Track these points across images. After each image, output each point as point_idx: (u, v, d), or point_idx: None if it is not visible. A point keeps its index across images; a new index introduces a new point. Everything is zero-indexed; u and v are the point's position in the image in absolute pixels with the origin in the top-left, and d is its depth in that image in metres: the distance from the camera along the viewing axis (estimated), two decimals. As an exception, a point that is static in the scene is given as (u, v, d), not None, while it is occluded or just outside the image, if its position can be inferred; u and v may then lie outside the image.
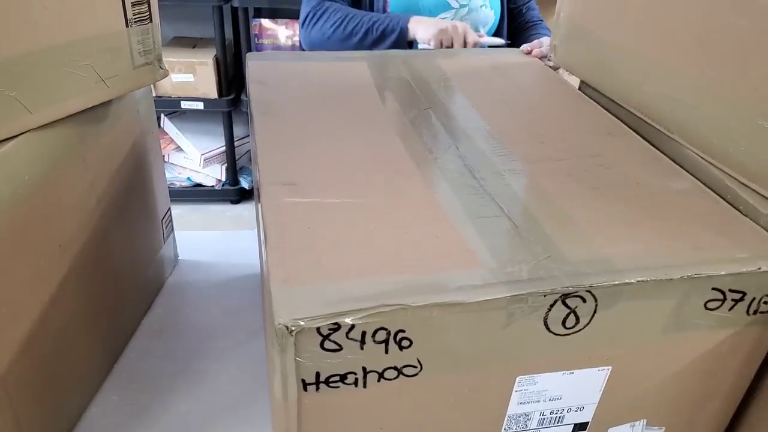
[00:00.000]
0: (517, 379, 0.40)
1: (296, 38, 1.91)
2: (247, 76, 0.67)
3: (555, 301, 0.37)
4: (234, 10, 1.88)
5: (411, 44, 0.94)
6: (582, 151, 0.54)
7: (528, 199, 0.47)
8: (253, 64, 0.70)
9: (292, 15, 1.91)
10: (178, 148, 2.07)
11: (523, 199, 0.47)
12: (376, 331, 0.35)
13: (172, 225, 0.87)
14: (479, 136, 0.57)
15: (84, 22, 0.54)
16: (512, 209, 0.45)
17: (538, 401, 0.42)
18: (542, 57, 0.82)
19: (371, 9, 0.99)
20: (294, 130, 0.55)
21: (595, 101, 0.69)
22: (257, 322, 0.78)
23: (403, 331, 0.36)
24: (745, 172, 0.49)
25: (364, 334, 0.35)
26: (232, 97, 1.95)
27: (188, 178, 2.09)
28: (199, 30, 2.05)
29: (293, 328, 0.33)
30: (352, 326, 0.34)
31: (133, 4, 0.58)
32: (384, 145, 0.54)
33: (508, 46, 1.03)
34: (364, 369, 0.36)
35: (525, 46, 0.83)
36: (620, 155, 0.54)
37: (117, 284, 0.71)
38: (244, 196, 2.13)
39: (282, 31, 1.92)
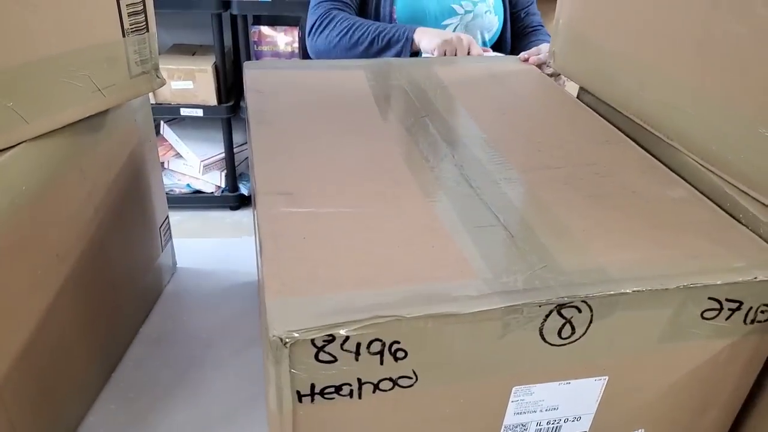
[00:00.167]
0: (513, 389, 0.40)
1: (295, 45, 1.92)
2: (244, 84, 0.67)
3: (550, 312, 0.37)
4: (233, 18, 1.89)
5: (416, 54, 0.94)
6: (579, 160, 0.54)
7: (524, 208, 0.47)
8: (250, 73, 0.70)
9: (291, 22, 1.92)
10: (178, 155, 2.07)
11: (519, 208, 0.46)
12: (370, 343, 0.35)
13: (170, 233, 0.87)
14: (476, 145, 0.57)
15: (81, 32, 0.54)
16: (508, 218, 0.45)
17: (535, 411, 0.41)
18: (540, 64, 0.82)
19: (378, 17, 0.99)
20: (290, 139, 0.55)
21: (594, 108, 0.69)
22: (255, 330, 0.78)
23: (398, 343, 0.35)
24: (744, 179, 0.49)
25: (358, 345, 0.35)
26: (231, 104, 1.95)
27: (188, 185, 2.09)
28: (198, 37, 2.06)
29: (287, 340, 0.33)
30: (347, 338, 0.34)
31: (130, 14, 0.58)
32: (380, 153, 0.54)
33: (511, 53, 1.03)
34: (359, 380, 0.36)
35: (522, 54, 0.84)
36: (617, 163, 0.54)
37: (115, 293, 0.71)
38: (243, 202, 2.14)
39: (281, 38, 1.92)
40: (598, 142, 0.58)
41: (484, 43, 1.05)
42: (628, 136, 0.61)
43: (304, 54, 1.20)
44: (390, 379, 0.37)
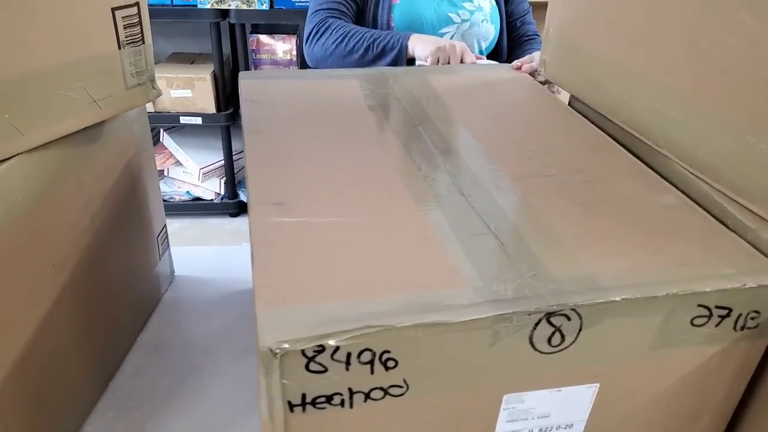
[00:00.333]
0: (505, 397, 0.40)
1: (294, 53, 1.93)
2: (240, 94, 0.68)
3: (540, 320, 0.37)
4: (231, 26, 1.90)
5: (411, 62, 0.95)
6: (570, 167, 0.55)
7: (515, 216, 0.47)
8: (245, 83, 0.70)
9: (289, 30, 1.93)
10: (177, 163, 2.08)
11: (510, 216, 0.47)
12: (361, 352, 0.35)
13: (167, 241, 0.88)
14: (468, 153, 0.57)
15: (76, 45, 0.54)
16: (499, 227, 0.45)
17: (527, 419, 0.42)
18: (533, 72, 0.83)
19: (375, 25, 1.00)
20: (284, 149, 0.56)
21: (584, 116, 0.70)
22: (253, 337, 0.78)
23: (389, 352, 0.36)
24: (732, 186, 0.50)
25: (349, 355, 0.35)
26: (230, 111, 1.96)
27: (187, 192, 2.09)
28: (197, 46, 2.07)
29: (278, 351, 0.33)
30: (337, 348, 0.34)
31: (126, 27, 0.59)
32: (373, 162, 0.54)
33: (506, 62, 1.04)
34: (350, 390, 0.36)
35: (515, 62, 0.84)
36: (608, 171, 0.55)
37: (112, 302, 0.71)
38: (242, 209, 2.14)
39: (280, 46, 1.93)
40: (589, 150, 0.59)
41: (481, 52, 1.06)
42: (619, 143, 0.62)
43: (302, 62, 1.21)
44: (381, 389, 0.37)
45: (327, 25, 0.96)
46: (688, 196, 0.52)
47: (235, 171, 2.08)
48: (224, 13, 1.81)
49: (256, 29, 1.97)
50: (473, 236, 0.44)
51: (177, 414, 0.68)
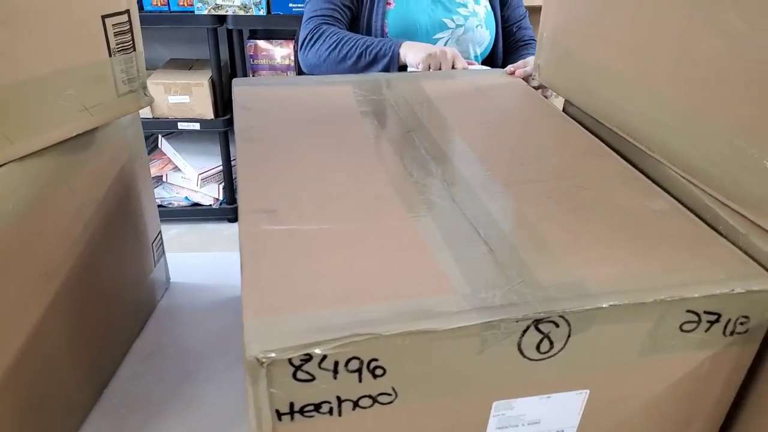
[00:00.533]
0: (494, 404, 0.40)
1: (293, 58, 1.93)
2: (233, 101, 0.68)
3: (528, 327, 0.37)
4: (229, 32, 1.91)
5: (403, 68, 0.95)
6: (561, 173, 0.55)
7: (505, 222, 0.47)
8: (238, 90, 0.70)
9: (287, 36, 1.93)
10: (176, 168, 2.09)
11: (500, 222, 0.47)
12: (348, 361, 0.35)
13: (162, 248, 0.88)
14: (460, 159, 0.57)
15: (66, 53, 0.54)
16: (489, 233, 0.45)
17: (517, 426, 0.42)
18: (526, 77, 0.83)
19: (369, 31, 1.00)
20: (276, 156, 0.56)
21: (579, 120, 0.70)
22: (247, 344, 0.78)
23: (377, 360, 0.36)
24: (723, 191, 0.49)
25: (336, 363, 0.35)
26: (228, 117, 1.97)
27: (186, 198, 2.10)
28: (195, 52, 2.08)
29: (264, 360, 0.33)
30: (324, 356, 0.34)
31: (116, 34, 0.59)
32: (365, 169, 0.54)
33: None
34: (338, 398, 0.36)
35: (509, 67, 0.84)
36: (600, 176, 0.55)
37: (106, 309, 0.71)
38: (241, 214, 2.14)
39: (278, 51, 1.94)
40: (581, 155, 0.59)
41: (476, 57, 1.06)
42: (612, 148, 0.62)
43: (300, 67, 1.22)
44: (369, 397, 0.37)
45: (321, 31, 0.96)
46: (680, 200, 0.52)
47: (234, 176, 2.08)
48: (221, 19, 1.82)
49: (254, 35, 1.97)
50: (463, 243, 0.44)
51: (172, 420, 0.68)
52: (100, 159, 0.66)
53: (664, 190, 0.54)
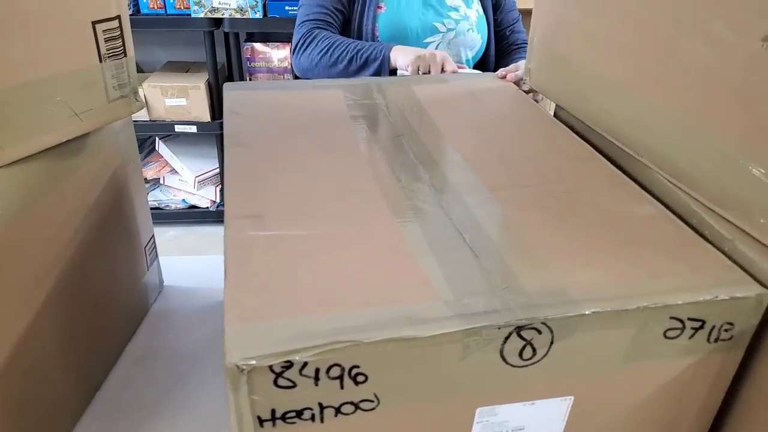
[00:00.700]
0: (478, 410, 0.40)
1: (290, 60, 1.93)
2: (223, 106, 0.68)
3: (510, 334, 0.37)
4: (226, 35, 1.91)
5: (394, 72, 0.95)
6: (549, 178, 0.55)
7: (491, 227, 0.47)
8: (229, 94, 0.71)
9: (283, 38, 1.93)
10: (173, 171, 2.09)
11: (486, 228, 0.47)
12: (329, 368, 0.35)
13: (156, 252, 0.88)
14: (448, 164, 0.57)
15: (56, 59, 0.55)
16: (474, 238, 0.45)
17: (501, 432, 0.42)
18: (518, 81, 0.83)
19: (360, 35, 1.01)
20: (264, 162, 0.56)
21: (570, 124, 0.70)
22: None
23: (358, 367, 0.36)
24: (709, 196, 0.50)
25: (317, 370, 0.35)
26: (225, 119, 1.96)
27: (183, 200, 2.10)
28: (192, 55, 2.08)
29: (244, 367, 0.33)
30: (305, 363, 0.34)
31: (107, 40, 0.59)
32: (353, 174, 0.54)
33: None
34: (320, 405, 0.36)
35: (500, 71, 0.84)
36: (587, 181, 0.55)
37: (97, 313, 0.71)
38: (238, 216, 2.14)
39: (275, 54, 1.94)
40: (569, 160, 0.59)
41: (467, 61, 1.06)
42: (602, 152, 0.62)
43: (298, 70, 1.23)
44: (351, 403, 0.37)
45: (313, 36, 0.97)
46: (668, 205, 0.52)
47: (231, 178, 2.08)
48: (218, 22, 1.82)
49: (251, 37, 1.97)
50: (448, 249, 0.44)
51: (162, 424, 0.68)
52: (91, 164, 0.66)
53: (652, 194, 0.54)
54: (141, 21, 1.80)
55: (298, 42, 0.99)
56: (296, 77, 1.08)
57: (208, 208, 2.11)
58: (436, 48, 1.02)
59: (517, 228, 0.47)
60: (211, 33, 1.84)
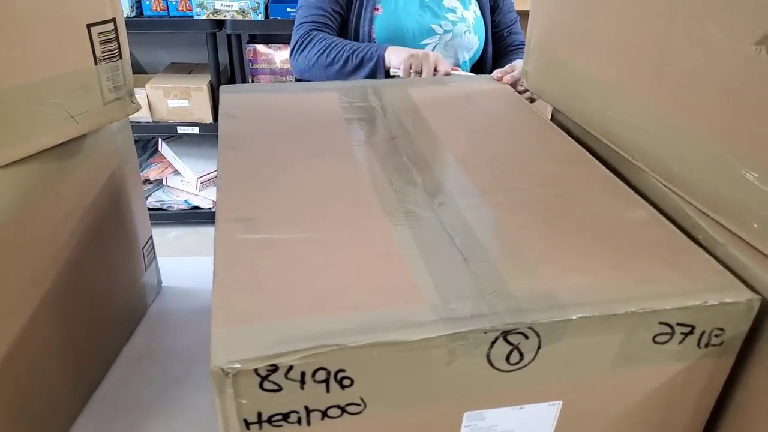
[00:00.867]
0: (465, 414, 0.40)
1: (291, 62, 1.93)
2: (219, 109, 0.68)
3: (496, 338, 0.37)
4: (228, 37, 1.92)
5: (388, 72, 0.96)
6: (542, 181, 0.55)
7: (482, 231, 0.47)
8: (225, 97, 0.71)
9: (286, 40, 1.94)
10: (176, 172, 2.10)
11: (476, 231, 0.47)
12: (315, 371, 0.35)
13: (154, 252, 0.88)
14: (442, 167, 0.57)
15: (51, 61, 0.55)
16: (464, 242, 0.45)
17: (489, 437, 0.41)
18: (514, 82, 0.82)
19: (357, 37, 1.01)
20: (257, 164, 0.56)
21: (567, 127, 0.69)
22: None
23: (344, 371, 0.36)
24: (703, 200, 0.49)
25: (303, 374, 0.35)
26: (227, 120, 1.97)
27: (186, 201, 2.10)
28: (195, 56, 2.09)
29: (229, 371, 0.34)
30: (291, 367, 0.35)
31: (102, 42, 0.59)
32: (346, 177, 0.54)
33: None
34: (306, 408, 0.36)
35: (496, 73, 0.84)
36: (580, 184, 0.54)
37: (94, 314, 0.71)
38: (241, 217, 2.14)
39: (277, 55, 1.94)
40: (563, 163, 0.59)
41: (464, 63, 1.05)
42: (598, 155, 0.62)
43: (299, 72, 1.23)
44: (338, 407, 0.37)
45: (311, 37, 0.98)
46: (662, 209, 0.52)
47: (233, 179, 2.08)
48: (220, 24, 1.83)
49: (253, 39, 1.98)
50: (438, 252, 0.44)
51: (158, 424, 0.68)
52: (88, 165, 0.67)
53: (647, 198, 0.54)
54: (144, 23, 1.81)
55: (296, 43, 1.00)
56: (298, 79, 1.08)
57: (210, 208, 2.11)
58: (433, 50, 1.01)
59: (508, 232, 0.47)
60: (213, 35, 1.85)
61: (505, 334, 0.37)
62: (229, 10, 1.77)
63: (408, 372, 0.37)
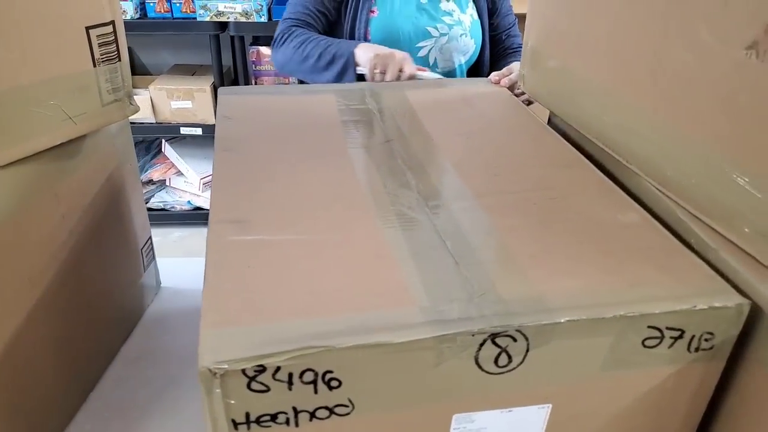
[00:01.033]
0: (454, 417, 0.40)
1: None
2: (216, 110, 0.69)
3: (484, 341, 0.37)
4: (231, 39, 1.93)
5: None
6: (536, 184, 0.55)
7: (474, 234, 0.47)
8: (223, 99, 0.71)
9: (288, 41, 1.94)
10: (179, 173, 2.10)
11: (468, 234, 0.47)
12: (303, 372, 0.35)
13: (153, 253, 0.89)
14: (436, 170, 0.57)
15: (50, 63, 0.55)
16: (456, 245, 0.45)
17: (479, 439, 0.42)
18: (512, 85, 0.82)
19: (352, 38, 1.01)
20: (252, 166, 0.56)
21: (563, 130, 0.70)
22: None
23: (331, 372, 0.36)
24: (695, 204, 0.49)
25: (290, 375, 0.35)
26: (230, 121, 1.98)
27: (188, 202, 2.11)
28: (199, 58, 2.10)
29: (216, 371, 0.34)
30: (278, 368, 0.35)
31: (101, 45, 0.60)
32: (340, 180, 0.55)
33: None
34: (294, 409, 0.37)
35: (494, 75, 0.84)
36: (574, 188, 0.55)
37: (92, 314, 0.72)
38: (243, 218, 2.15)
39: (280, 57, 1.95)
40: (557, 166, 0.59)
41: (460, 66, 1.05)
42: (593, 158, 0.62)
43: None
44: (326, 408, 0.37)
45: (290, 32, 0.98)
46: (655, 213, 0.52)
47: (236, 181, 2.09)
48: (223, 26, 1.84)
49: (257, 41, 1.99)
50: (429, 255, 0.44)
51: (154, 424, 0.69)
52: (87, 166, 0.67)
53: (641, 202, 0.54)
54: (148, 24, 1.83)
55: (277, 37, 1.01)
56: (301, 81, 1.08)
57: (212, 209, 2.12)
58: (428, 53, 1.01)
59: (501, 235, 0.47)
60: (216, 36, 1.86)
61: (493, 336, 0.37)
62: (232, 12, 1.78)
63: (396, 374, 0.37)
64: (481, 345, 0.37)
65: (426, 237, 0.46)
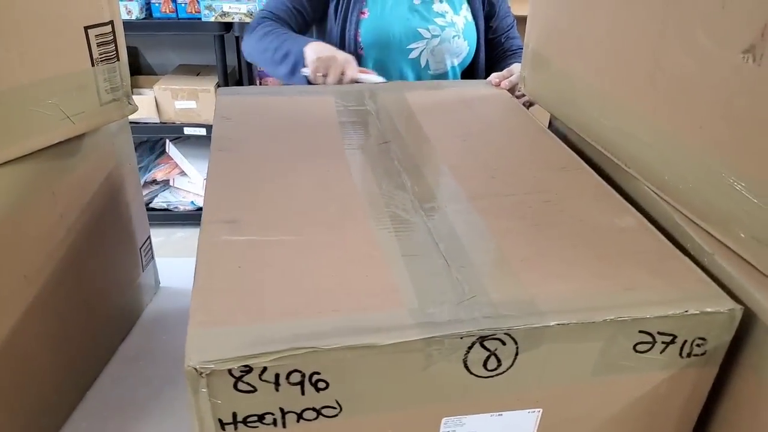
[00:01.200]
0: (444, 420, 0.40)
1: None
2: (214, 111, 0.69)
3: (473, 344, 0.37)
4: (236, 39, 1.93)
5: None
6: (532, 187, 0.54)
7: (466, 236, 0.47)
8: (222, 99, 0.71)
9: (293, 42, 1.95)
10: (182, 173, 2.11)
11: (461, 236, 0.47)
12: (289, 374, 0.35)
13: (152, 253, 0.89)
14: (432, 172, 0.57)
15: (49, 63, 0.56)
16: (448, 247, 0.45)
17: (468, 442, 0.41)
18: (513, 87, 0.82)
19: (342, 41, 1.00)
20: (247, 167, 0.56)
21: (563, 133, 0.69)
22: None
23: (318, 373, 0.36)
24: (692, 208, 0.49)
25: (277, 376, 0.35)
26: (234, 122, 1.98)
27: (192, 202, 2.12)
28: (204, 58, 2.11)
29: (202, 371, 0.34)
30: (264, 368, 0.35)
31: (99, 44, 0.60)
32: (335, 181, 0.55)
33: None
34: (281, 410, 0.37)
35: (493, 77, 0.84)
36: (571, 191, 0.54)
37: (89, 313, 0.72)
38: (246, 219, 2.15)
39: (284, 58, 1.95)
40: (555, 169, 0.58)
41: (453, 68, 1.04)
42: (592, 162, 0.61)
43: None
44: (313, 409, 0.37)
45: (261, 24, 0.99)
46: (652, 217, 0.52)
47: (239, 181, 2.09)
48: (228, 26, 1.84)
49: (261, 42, 1.99)
50: (421, 257, 0.44)
51: (151, 423, 0.69)
52: (86, 165, 0.68)
53: (638, 206, 0.53)
54: (153, 24, 1.83)
55: (249, 27, 1.01)
56: (308, 82, 1.08)
57: (216, 209, 2.12)
58: (419, 54, 1.00)
59: (494, 238, 0.47)
60: (221, 37, 1.87)
61: (482, 339, 0.37)
62: (237, 13, 1.78)
63: (384, 376, 0.37)
64: (470, 348, 0.37)
65: (419, 239, 0.46)
